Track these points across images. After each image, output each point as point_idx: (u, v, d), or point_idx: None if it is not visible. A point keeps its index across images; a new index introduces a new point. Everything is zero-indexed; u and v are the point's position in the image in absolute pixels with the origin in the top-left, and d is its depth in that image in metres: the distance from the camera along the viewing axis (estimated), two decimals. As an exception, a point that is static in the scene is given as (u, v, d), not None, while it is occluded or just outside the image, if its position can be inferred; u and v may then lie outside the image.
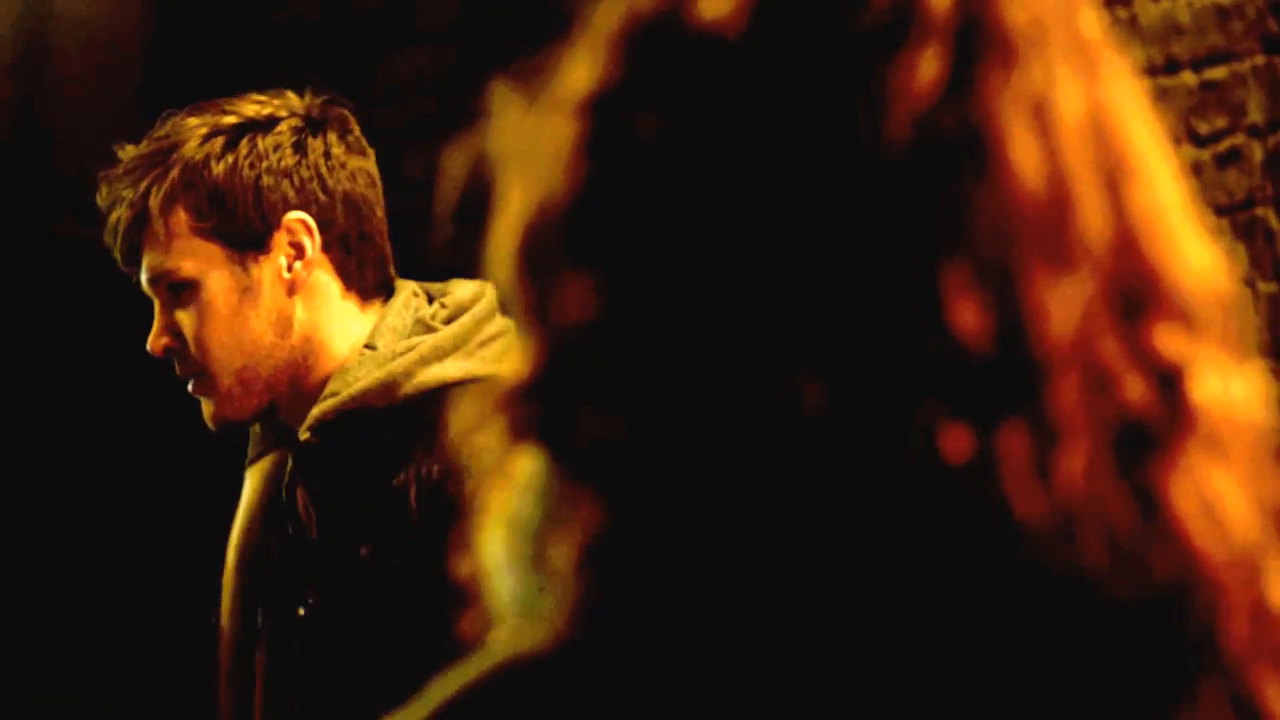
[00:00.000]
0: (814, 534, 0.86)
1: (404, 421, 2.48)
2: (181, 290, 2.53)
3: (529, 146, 0.91)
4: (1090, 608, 0.86)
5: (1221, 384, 0.89)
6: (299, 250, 2.55)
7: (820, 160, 0.86)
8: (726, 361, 0.86)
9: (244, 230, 2.55)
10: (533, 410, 0.90)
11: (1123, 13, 3.80)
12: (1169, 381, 0.88)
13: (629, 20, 0.91)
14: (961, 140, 0.86)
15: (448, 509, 2.39)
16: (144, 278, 2.54)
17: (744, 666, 0.86)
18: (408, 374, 2.50)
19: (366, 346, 2.53)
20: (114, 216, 2.54)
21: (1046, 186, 0.87)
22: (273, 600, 2.56)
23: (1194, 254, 0.90)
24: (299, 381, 2.55)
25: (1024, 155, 0.86)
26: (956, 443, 0.85)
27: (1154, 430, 0.87)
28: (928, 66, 0.86)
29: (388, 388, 2.49)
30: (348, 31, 5.56)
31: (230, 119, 2.56)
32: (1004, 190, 0.86)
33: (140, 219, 2.52)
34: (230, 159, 2.55)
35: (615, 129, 0.89)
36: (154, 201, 2.54)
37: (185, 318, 2.54)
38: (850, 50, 0.87)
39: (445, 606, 2.28)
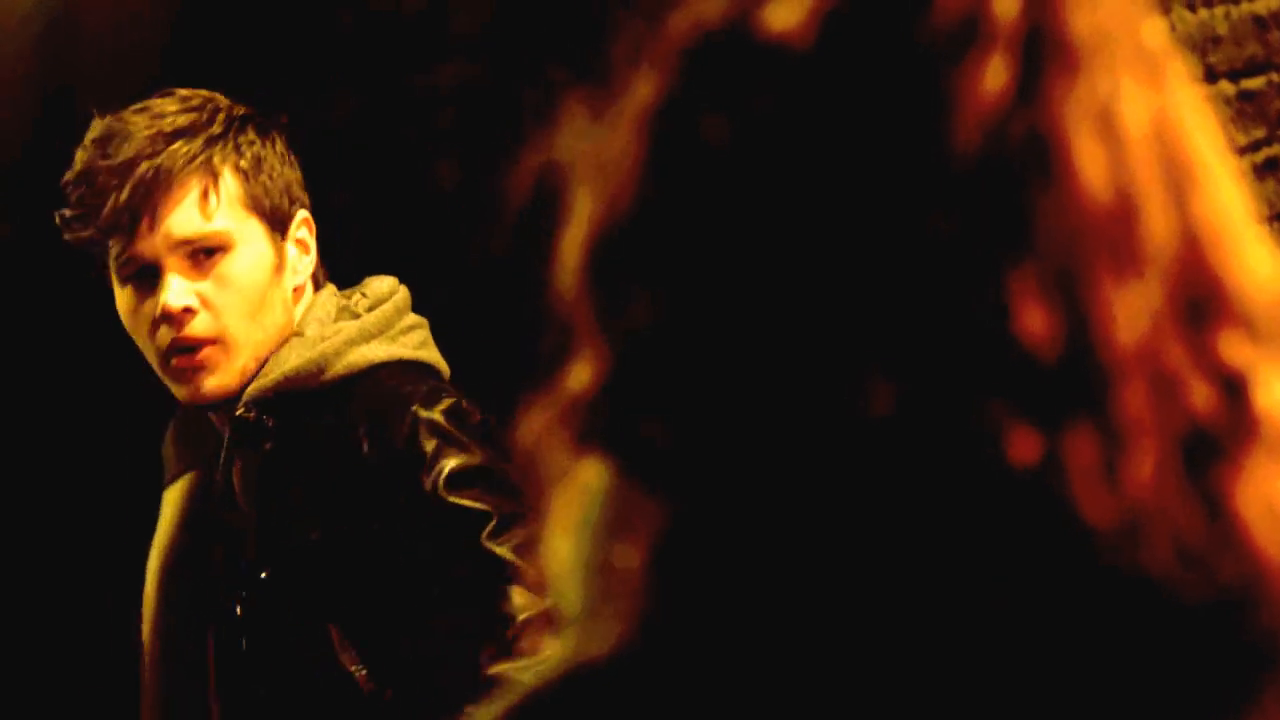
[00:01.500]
0: (882, 538, 0.86)
1: (334, 400, 2.56)
2: (213, 254, 2.55)
3: (597, 157, 0.92)
4: (1156, 611, 0.86)
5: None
6: (304, 246, 2.65)
7: (889, 168, 0.87)
8: (794, 366, 0.87)
9: (277, 211, 2.60)
10: (598, 419, 0.90)
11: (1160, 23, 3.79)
12: (1234, 388, 0.88)
13: (697, 31, 0.91)
14: (1028, 148, 0.87)
15: (407, 469, 2.46)
16: (164, 239, 2.52)
17: (811, 671, 0.86)
18: (337, 354, 2.58)
19: (295, 334, 2.60)
20: (144, 168, 2.51)
21: (1112, 194, 0.87)
22: (220, 592, 2.58)
23: (1257, 262, 0.91)
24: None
25: (1090, 163, 0.87)
26: (1024, 446, 0.85)
27: (1220, 437, 0.87)
28: (994, 75, 0.87)
29: (319, 367, 2.57)
30: (379, 41, 5.58)
31: (243, 108, 2.63)
32: (1071, 197, 0.87)
33: (186, 175, 2.52)
34: (266, 143, 2.61)
35: (683, 139, 0.89)
36: (217, 160, 2.55)
37: (212, 284, 2.55)
38: (917, 59, 0.87)
39: (402, 567, 2.40)
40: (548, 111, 0.96)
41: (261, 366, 2.57)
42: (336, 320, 2.62)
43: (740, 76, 0.89)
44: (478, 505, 2.41)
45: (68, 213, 2.57)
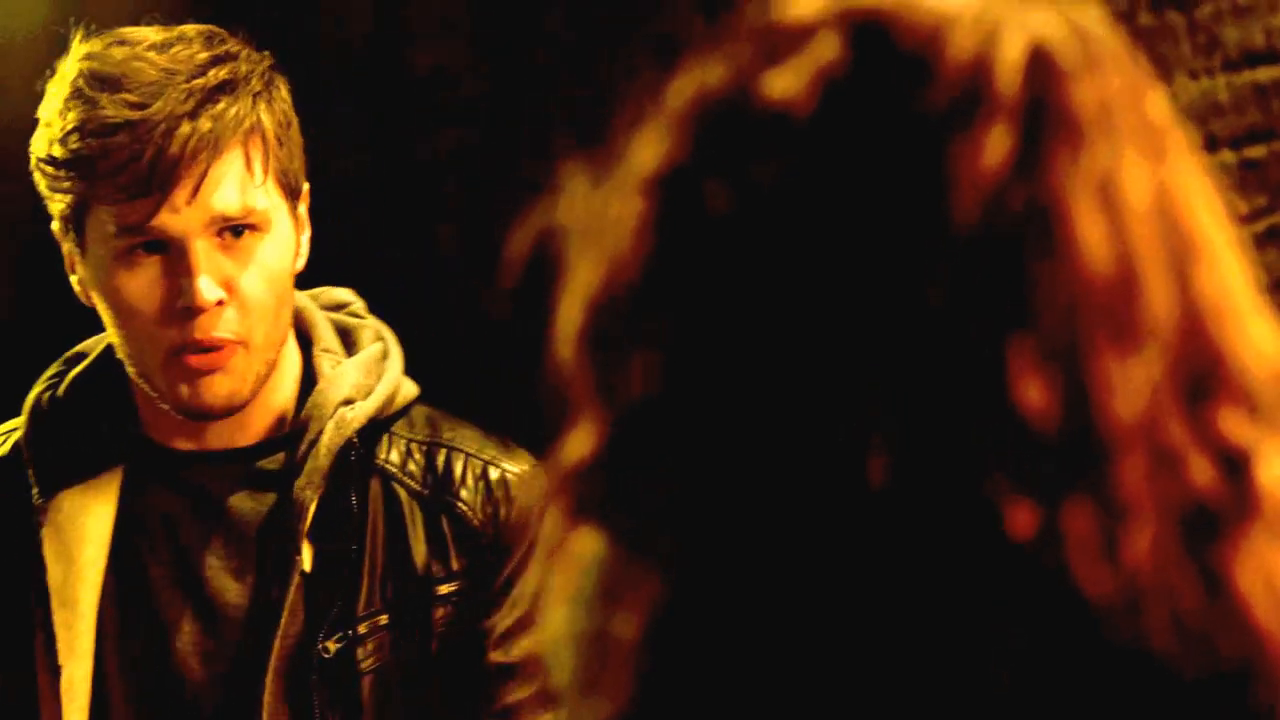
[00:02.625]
0: (879, 611, 0.86)
1: (381, 437, 2.19)
2: (241, 234, 2.09)
3: (597, 223, 0.92)
4: (1155, 686, 0.86)
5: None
6: (303, 224, 2.20)
7: (888, 237, 0.87)
8: (792, 436, 0.87)
9: (295, 183, 2.16)
10: (595, 488, 0.90)
11: (1162, 91, 3.81)
12: (1234, 464, 0.88)
13: (698, 99, 0.91)
14: (1028, 219, 0.86)
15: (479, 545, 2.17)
16: (200, 214, 2.06)
17: None
18: (397, 386, 2.22)
19: (324, 350, 2.21)
20: (186, 130, 2.04)
21: (1113, 266, 0.87)
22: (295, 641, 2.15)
23: (1259, 336, 0.90)
24: (263, 389, 2.17)
25: (1091, 235, 0.87)
26: (1022, 519, 0.85)
27: (1219, 512, 0.87)
28: (996, 146, 0.87)
29: (389, 400, 2.20)
30: (386, 106, 5.59)
31: (262, 54, 2.17)
32: (1071, 269, 0.86)
33: (233, 142, 2.07)
34: (289, 98, 2.17)
35: (684, 207, 0.89)
36: (268, 120, 2.10)
37: (240, 270, 2.09)
38: (919, 129, 0.87)
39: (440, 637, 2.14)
40: (549, 177, 0.96)
41: (269, 373, 2.13)
42: (351, 345, 2.22)
43: (741, 144, 0.89)
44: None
45: (59, 158, 2.08)
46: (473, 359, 4.68)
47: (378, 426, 2.19)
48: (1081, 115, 0.88)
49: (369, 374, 2.20)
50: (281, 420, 2.19)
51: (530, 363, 0.99)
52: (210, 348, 2.08)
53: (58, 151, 2.08)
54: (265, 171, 2.09)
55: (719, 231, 0.88)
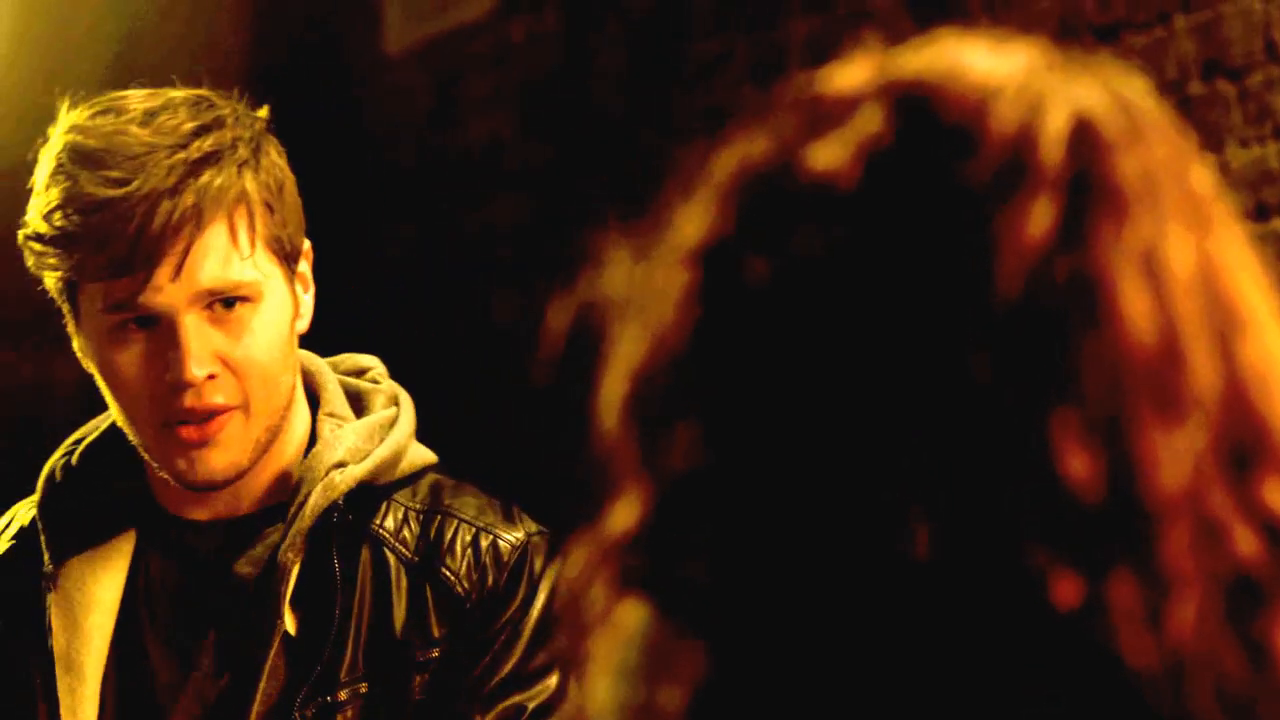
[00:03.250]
0: (925, 682, 0.86)
1: (385, 501, 2.17)
2: (233, 305, 2.07)
3: (641, 295, 0.92)
4: None
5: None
6: (306, 283, 2.17)
7: (933, 309, 0.87)
8: (836, 507, 0.87)
9: (292, 247, 2.13)
10: (639, 561, 0.90)
11: (1213, 159, 3.80)
12: (1278, 536, 0.87)
13: (741, 171, 0.92)
14: (1073, 291, 0.87)
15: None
16: (186, 289, 2.04)
17: None
18: (399, 453, 2.18)
19: (328, 413, 2.18)
20: (167, 206, 2.01)
21: (1157, 337, 0.87)
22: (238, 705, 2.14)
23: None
24: (267, 454, 2.15)
25: (1135, 306, 0.87)
26: (1067, 590, 0.85)
27: (1264, 583, 0.87)
28: (1039, 218, 0.87)
29: (391, 465, 2.18)
30: (441, 177, 5.63)
31: (252, 114, 2.15)
32: (1116, 341, 0.87)
33: (218, 215, 2.04)
34: (282, 159, 2.14)
35: (727, 279, 0.90)
36: (251, 192, 2.06)
37: (232, 342, 2.07)
38: (963, 201, 0.88)
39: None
40: (597, 247, 0.97)
41: (272, 439, 2.12)
42: (358, 409, 2.19)
43: (784, 217, 0.90)
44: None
45: (45, 235, 2.05)
46: (528, 425, 4.69)
47: (375, 493, 2.17)
48: (1125, 187, 0.89)
49: (369, 439, 2.18)
50: (284, 485, 2.18)
51: (576, 433, 0.99)
52: (203, 417, 2.07)
53: (43, 228, 2.07)
54: (252, 242, 2.07)
55: (762, 304, 0.89)
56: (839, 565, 0.86)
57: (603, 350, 0.93)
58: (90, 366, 2.14)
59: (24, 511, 2.26)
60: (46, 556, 2.19)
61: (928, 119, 0.89)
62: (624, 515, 0.90)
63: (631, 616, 0.91)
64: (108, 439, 2.22)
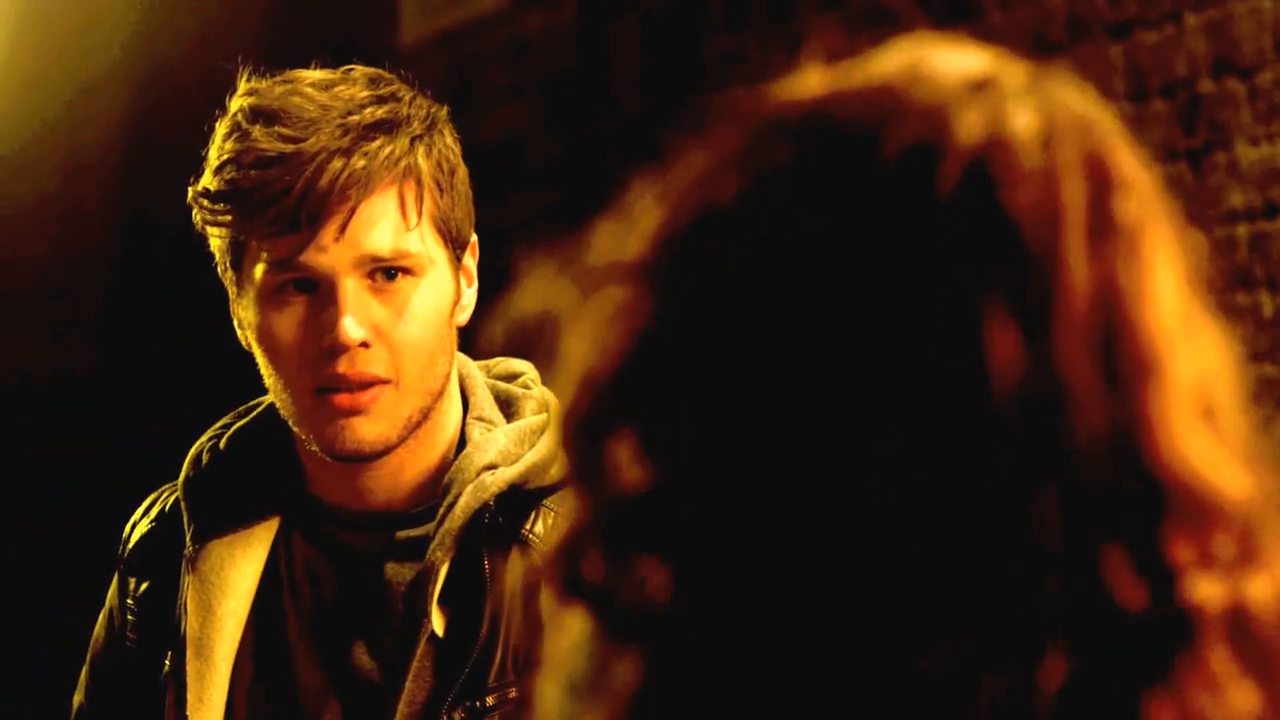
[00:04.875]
0: (861, 699, 0.86)
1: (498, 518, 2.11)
2: (395, 277, 2.05)
3: (581, 308, 0.93)
4: None
5: (1234, 587, 0.87)
6: (470, 278, 2.15)
7: (864, 349, 0.87)
8: (774, 530, 0.87)
9: (459, 233, 2.12)
10: (580, 571, 0.91)
11: (1222, 157, 3.80)
12: (1175, 587, 0.86)
13: (684, 186, 0.92)
14: (951, 336, 0.86)
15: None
16: (349, 252, 2.02)
17: None
18: (547, 466, 2.13)
19: (477, 417, 2.16)
20: (338, 165, 2.00)
21: (1034, 387, 0.85)
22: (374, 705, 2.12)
23: (1210, 459, 0.87)
24: (418, 443, 2.12)
25: (1006, 352, 0.85)
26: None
27: (1155, 639, 0.85)
28: (926, 257, 0.87)
29: (542, 469, 2.14)
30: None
31: (432, 102, 2.13)
32: (992, 389, 0.86)
33: (388, 181, 2.03)
34: (457, 147, 2.13)
35: (667, 295, 0.90)
36: (422, 165, 2.05)
37: (390, 314, 2.04)
38: (854, 232, 0.88)
39: None
40: (524, 264, 0.97)
41: (424, 418, 2.09)
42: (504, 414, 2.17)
43: (722, 236, 0.90)
44: None
45: (214, 191, 2.06)
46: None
47: (526, 497, 2.13)
48: (1023, 225, 0.87)
49: (521, 443, 2.15)
50: (435, 485, 2.14)
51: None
52: (356, 385, 2.04)
53: (213, 184, 2.06)
54: (419, 215, 2.05)
55: (703, 320, 0.89)
56: (774, 581, 0.87)
57: (545, 362, 0.94)
58: (249, 337, 2.12)
59: (167, 495, 2.24)
60: (188, 538, 2.17)
61: (839, 143, 0.89)
62: (561, 525, 0.91)
63: (574, 626, 0.92)
64: (259, 424, 2.21)
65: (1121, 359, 0.87)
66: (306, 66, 2.12)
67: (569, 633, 0.92)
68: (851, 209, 0.88)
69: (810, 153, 0.89)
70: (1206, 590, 0.86)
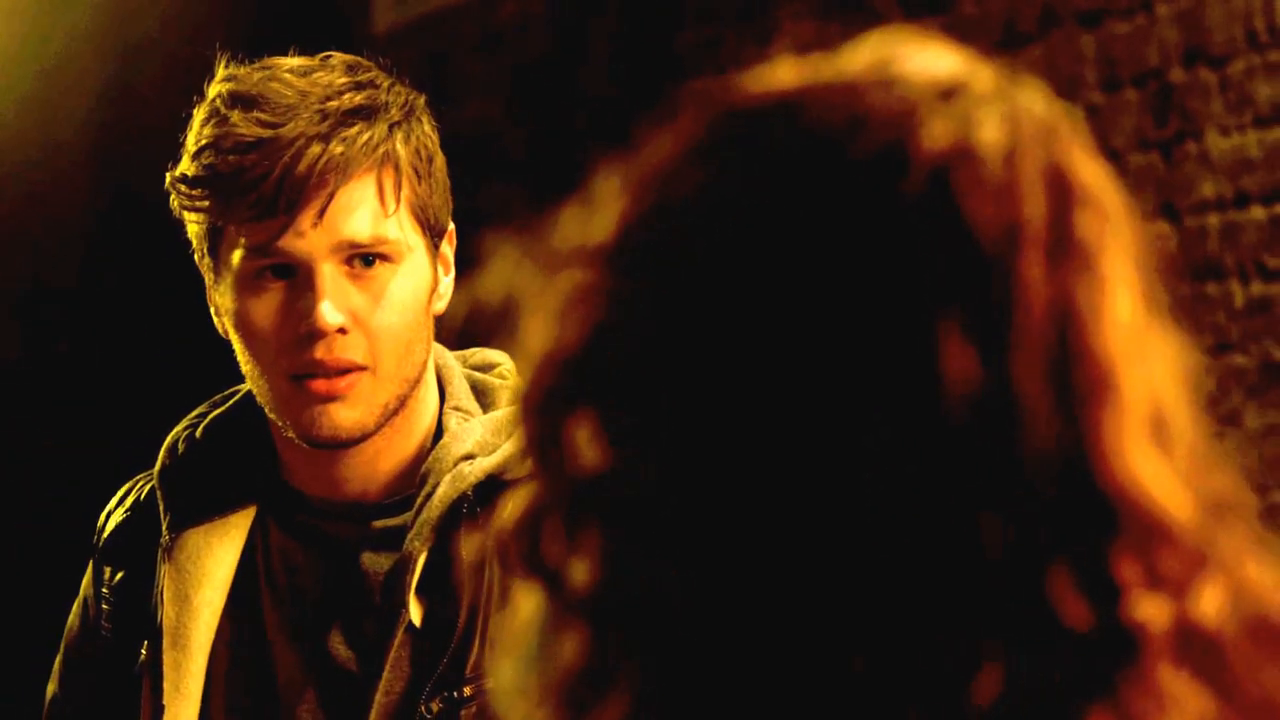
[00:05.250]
0: (805, 682, 0.86)
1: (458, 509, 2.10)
2: (372, 264, 2.04)
3: (537, 292, 0.93)
4: None
5: (1180, 605, 0.86)
6: (448, 266, 2.14)
7: (818, 320, 0.87)
8: (723, 515, 0.87)
9: (437, 221, 2.12)
10: (534, 545, 0.91)
11: (1193, 147, 3.81)
12: (1118, 604, 0.85)
13: (649, 174, 0.92)
14: (906, 350, 0.86)
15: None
16: (326, 238, 2.02)
17: None
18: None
19: (454, 407, 2.15)
20: (316, 150, 2.01)
21: (987, 403, 0.85)
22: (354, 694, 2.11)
23: (1157, 479, 0.87)
24: (394, 431, 2.12)
25: (960, 369, 0.85)
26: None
27: (1098, 657, 0.85)
28: (886, 270, 0.87)
29: (519, 463, 2.11)
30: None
31: (410, 90, 2.13)
32: (944, 405, 0.85)
33: (366, 167, 2.03)
34: (435, 135, 2.12)
35: (627, 280, 0.90)
36: (400, 151, 2.05)
37: (368, 300, 2.04)
38: (845, 231, 0.87)
39: None
40: (489, 246, 0.97)
41: (400, 405, 2.08)
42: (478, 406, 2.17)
43: (685, 224, 0.90)
44: None
45: (192, 176, 2.05)
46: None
47: (503, 488, 2.09)
48: (982, 239, 0.86)
49: (498, 433, 2.13)
50: (412, 475, 2.13)
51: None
52: (334, 371, 2.03)
53: (191, 169, 2.05)
54: (398, 202, 2.05)
55: (660, 306, 0.89)
56: (719, 565, 0.87)
57: (503, 344, 0.94)
58: (226, 324, 2.11)
59: (142, 484, 2.23)
60: (164, 527, 2.16)
61: (804, 142, 0.89)
62: (517, 502, 0.91)
63: (529, 601, 0.92)
64: (235, 413, 2.19)
65: (1074, 377, 0.86)
66: (278, 51, 2.12)
67: (523, 608, 0.92)
68: (815, 208, 0.87)
69: (776, 147, 0.89)
70: (1151, 609, 0.85)
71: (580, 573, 0.88)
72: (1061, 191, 0.89)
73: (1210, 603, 0.87)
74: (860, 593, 0.85)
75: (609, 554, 0.88)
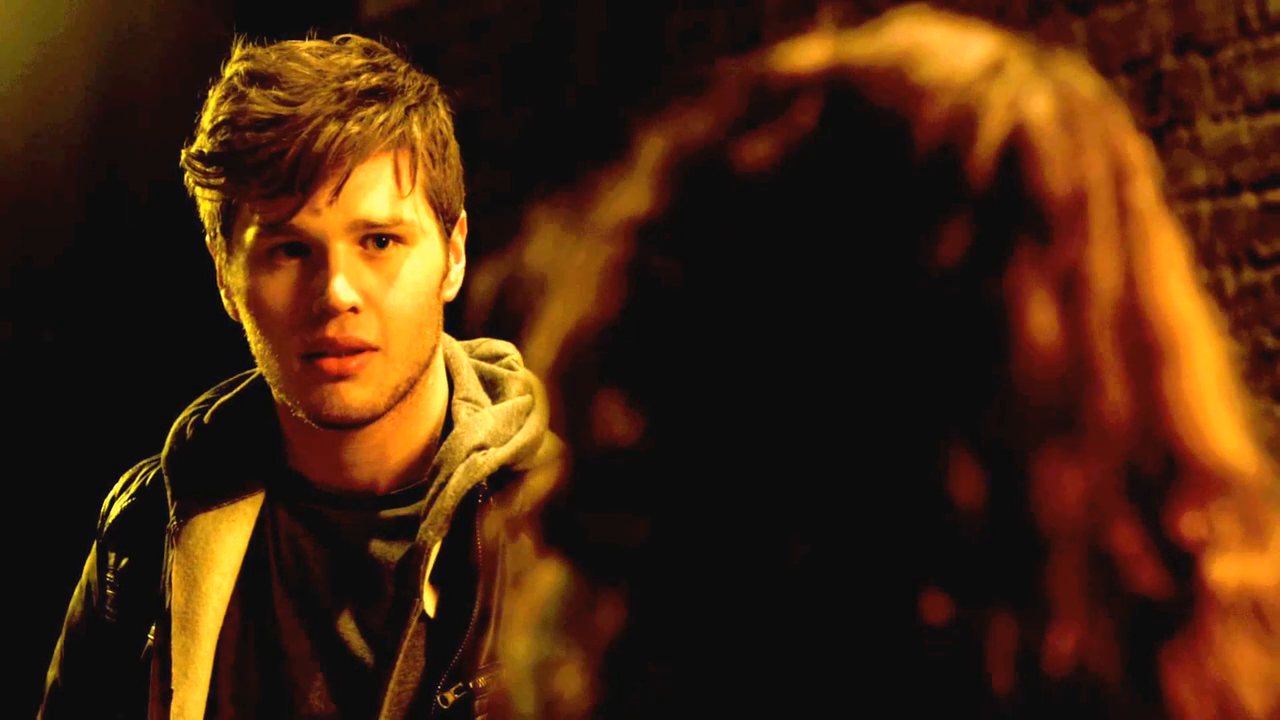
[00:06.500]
0: (810, 670, 0.87)
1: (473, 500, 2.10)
2: (386, 245, 2.03)
3: (569, 267, 0.93)
4: None
5: (1243, 567, 0.87)
6: (459, 254, 2.14)
7: (838, 321, 0.87)
8: (746, 480, 0.87)
9: (450, 206, 2.10)
10: (560, 521, 0.91)
11: (1184, 134, 3.82)
12: (1188, 564, 0.86)
13: (678, 150, 0.92)
14: (980, 316, 0.86)
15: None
16: (341, 217, 2.01)
17: None
18: (534, 446, 2.13)
19: (464, 398, 2.15)
20: (334, 129, 2.00)
21: (1066, 364, 0.86)
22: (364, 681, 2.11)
23: (1226, 437, 0.89)
24: (403, 417, 2.11)
25: (1043, 332, 0.86)
26: (935, 610, 0.84)
27: (1165, 614, 0.86)
28: (955, 240, 0.86)
29: (530, 451, 2.12)
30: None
31: (424, 75, 2.14)
32: (1018, 366, 0.85)
33: (382, 148, 2.02)
34: (449, 120, 2.13)
35: (656, 256, 0.90)
36: (416, 133, 2.05)
37: (381, 281, 2.03)
38: (881, 212, 0.87)
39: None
40: (530, 220, 0.98)
41: (410, 388, 2.07)
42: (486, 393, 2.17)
43: (714, 200, 0.90)
44: None
45: (208, 153, 2.04)
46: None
47: (515, 478, 2.11)
48: (1053, 206, 0.87)
49: (508, 424, 2.14)
50: (421, 465, 2.13)
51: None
52: (345, 350, 2.02)
53: (207, 146, 2.04)
54: (413, 183, 2.04)
55: (688, 283, 0.89)
56: (740, 545, 0.87)
57: (529, 319, 0.94)
58: (237, 303, 2.10)
59: (146, 469, 2.23)
60: (172, 512, 2.15)
61: (862, 119, 0.89)
62: (543, 479, 0.92)
63: (548, 577, 0.92)
64: (244, 399, 2.19)
65: (1145, 337, 0.87)
66: (269, 36, 2.12)
67: (543, 583, 0.93)
68: (883, 187, 0.87)
69: (835, 125, 0.89)
70: (1221, 569, 0.86)
71: (612, 547, 0.89)
72: (1117, 160, 0.89)
73: (1270, 568, 0.87)
74: (914, 551, 0.85)
75: (644, 522, 0.88)
